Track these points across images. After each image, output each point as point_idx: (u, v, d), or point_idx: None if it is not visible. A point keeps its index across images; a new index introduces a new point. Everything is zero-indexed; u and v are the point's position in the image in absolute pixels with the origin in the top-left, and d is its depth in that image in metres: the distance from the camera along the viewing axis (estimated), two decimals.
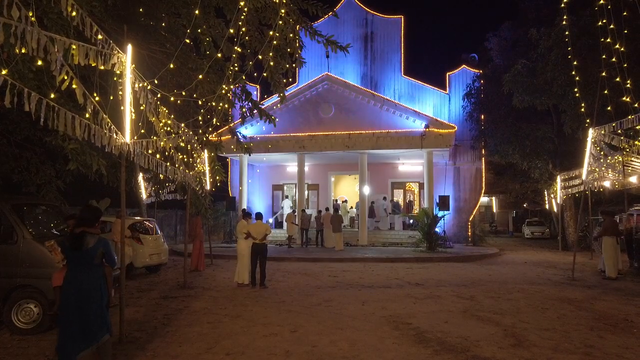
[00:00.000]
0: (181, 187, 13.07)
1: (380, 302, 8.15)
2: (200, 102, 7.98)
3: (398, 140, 18.92)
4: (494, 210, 37.58)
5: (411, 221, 20.73)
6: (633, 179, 13.02)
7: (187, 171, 8.22)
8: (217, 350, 5.39)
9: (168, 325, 6.48)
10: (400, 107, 19.84)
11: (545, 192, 23.28)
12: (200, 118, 8.27)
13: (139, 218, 12.50)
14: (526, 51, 18.48)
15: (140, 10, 7.96)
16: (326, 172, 23.98)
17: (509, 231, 35.05)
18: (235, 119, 14.95)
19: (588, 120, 11.04)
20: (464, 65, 22.17)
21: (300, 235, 18.78)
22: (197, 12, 7.15)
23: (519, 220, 35.16)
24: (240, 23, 7.33)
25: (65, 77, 4.13)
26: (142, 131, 5.70)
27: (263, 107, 10.34)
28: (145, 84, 5.70)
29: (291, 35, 7.86)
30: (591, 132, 10.42)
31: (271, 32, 7.46)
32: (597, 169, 11.60)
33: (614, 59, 9.20)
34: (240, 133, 13.30)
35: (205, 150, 9.88)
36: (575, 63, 11.18)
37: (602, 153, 10.81)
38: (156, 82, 6.12)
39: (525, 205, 32.51)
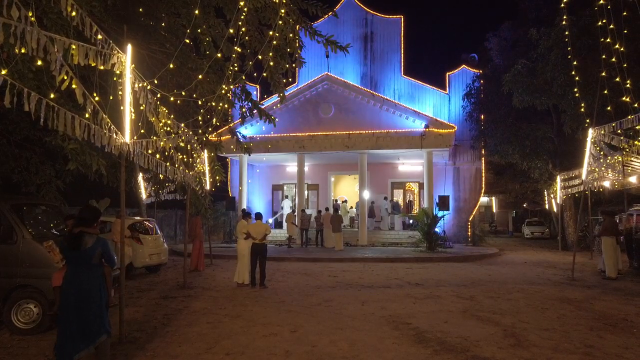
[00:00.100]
0: (181, 187, 13.08)
1: (380, 302, 8.15)
2: (200, 102, 7.98)
3: (398, 140, 18.92)
4: (494, 210, 37.56)
5: (411, 221, 20.73)
6: (633, 179, 13.01)
7: (187, 171, 8.22)
8: (216, 350, 5.39)
9: (168, 325, 6.48)
10: (400, 107, 19.82)
11: (545, 192, 23.26)
12: (200, 118, 8.27)
13: (138, 218, 12.49)
14: (526, 51, 18.47)
15: (140, 10, 7.98)
16: (326, 172, 23.97)
17: (508, 231, 35.04)
18: (235, 119, 14.98)
19: (588, 120, 11.05)
20: (463, 65, 22.16)
21: (300, 235, 18.77)
22: (197, 12, 7.16)
23: (518, 220, 35.17)
24: (240, 23, 7.33)
25: (65, 77, 4.13)
26: (142, 131, 5.69)
27: (263, 107, 10.33)
28: (145, 84, 5.70)
29: (291, 35, 7.86)
30: (591, 132, 10.41)
31: (271, 32, 7.47)
32: (596, 169, 11.59)
33: (613, 59, 9.20)
34: (240, 133, 13.32)
35: (205, 150, 9.89)
36: (575, 63, 11.17)
37: (601, 153, 10.80)
38: (156, 82, 6.12)
39: (525, 205, 32.52)
